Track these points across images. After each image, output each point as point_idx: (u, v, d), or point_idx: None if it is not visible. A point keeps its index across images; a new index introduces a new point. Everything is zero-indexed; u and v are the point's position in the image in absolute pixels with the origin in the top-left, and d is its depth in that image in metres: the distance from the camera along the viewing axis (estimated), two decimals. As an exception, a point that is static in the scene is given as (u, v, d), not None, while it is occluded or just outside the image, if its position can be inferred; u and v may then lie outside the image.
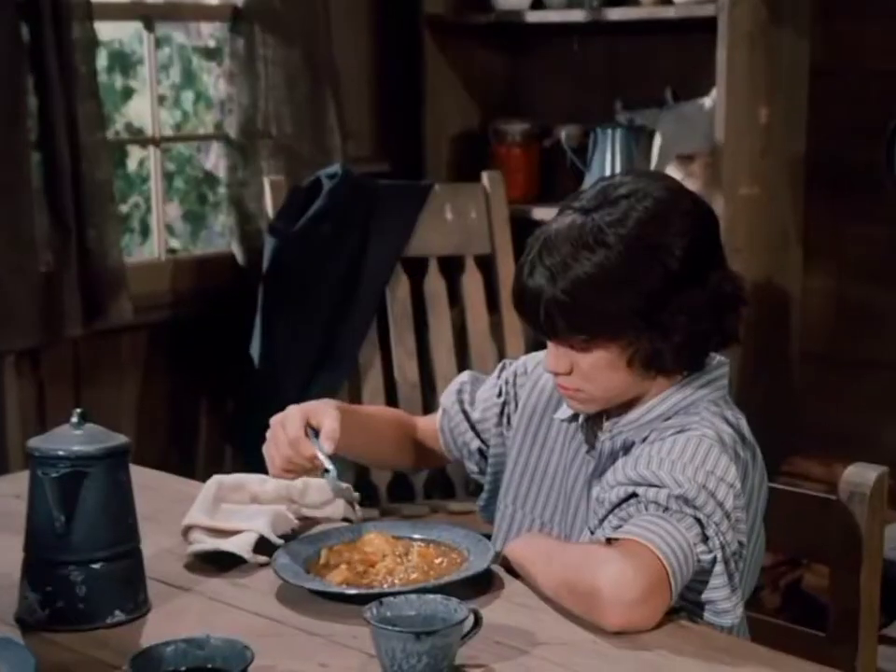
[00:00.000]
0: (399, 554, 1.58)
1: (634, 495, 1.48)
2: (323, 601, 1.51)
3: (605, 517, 1.51)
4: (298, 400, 3.16)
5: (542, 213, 3.41)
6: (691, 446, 1.50)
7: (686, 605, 1.49)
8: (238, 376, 3.32)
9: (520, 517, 1.74)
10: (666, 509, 1.45)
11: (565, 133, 3.42)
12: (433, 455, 1.90)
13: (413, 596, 1.35)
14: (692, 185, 3.19)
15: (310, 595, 1.52)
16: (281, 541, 1.66)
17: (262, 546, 1.64)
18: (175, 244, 3.76)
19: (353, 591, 1.49)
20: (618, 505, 1.49)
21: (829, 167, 3.30)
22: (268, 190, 3.28)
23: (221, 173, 3.45)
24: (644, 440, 1.57)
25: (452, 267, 3.38)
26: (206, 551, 1.63)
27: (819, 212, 3.33)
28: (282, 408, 3.27)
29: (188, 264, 3.40)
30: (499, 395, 1.81)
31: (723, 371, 1.62)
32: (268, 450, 1.70)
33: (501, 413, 1.80)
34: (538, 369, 1.77)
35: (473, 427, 1.83)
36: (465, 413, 1.84)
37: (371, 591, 1.48)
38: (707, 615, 1.49)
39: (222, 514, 1.71)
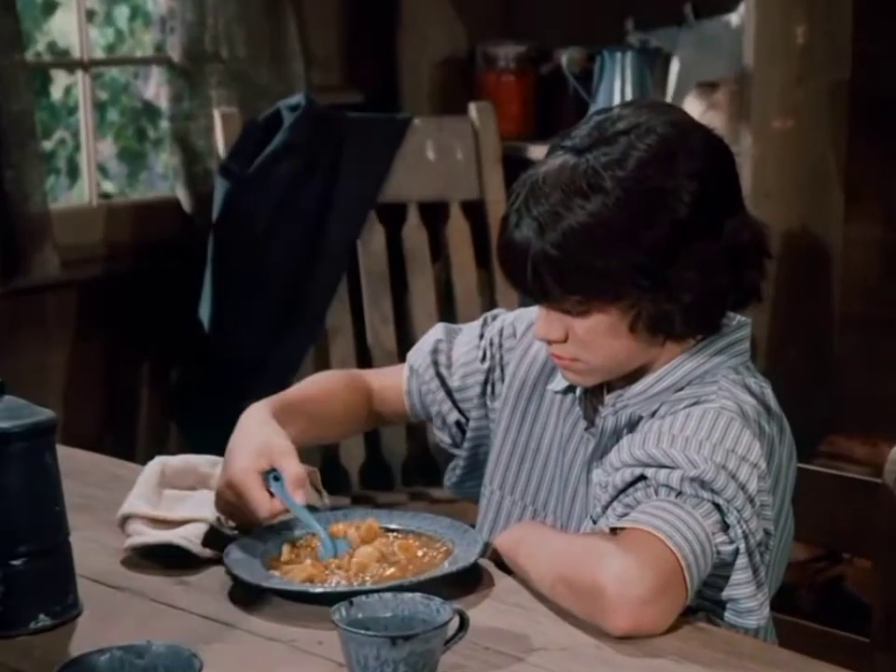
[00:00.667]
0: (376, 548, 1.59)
1: (642, 477, 1.48)
2: (284, 602, 1.50)
3: (609, 504, 1.51)
4: (254, 373, 3.20)
5: (539, 152, 3.37)
6: (708, 420, 1.50)
7: (704, 604, 1.49)
8: (185, 342, 3.31)
9: (509, 504, 1.75)
10: (680, 493, 1.45)
11: (566, 58, 3.41)
12: (392, 418, 1.91)
13: (389, 595, 1.35)
14: (715, 118, 3.20)
15: (268, 594, 1.51)
16: (235, 533, 1.65)
17: (213, 538, 1.64)
18: (108, 187, 3.74)
19: (318, 589, 1.50)
20: (624, 490, 1.50)
21: (876, 97, 3.30)
22: (218, 125, 3.26)
23: (163, 103, 3.44)
24: (653, 414, 1.57)
25: (434, 215, 3.38)
26: (147, 544, 1.63)
27: (863, 150, 3.33)
28: (235, 380, 3.27)
29: (124, 211, 3.39)
30: (483, 359, 1.81)
31: (744, 333, 1.62)
32: (233, 519, 1.65)
33: (486, 381, 1.80)
34: (529, 333, 1.76)
35: (451, 396, 1.83)
36: (441, 377, 1.83)
37: (339, 589, 1.48)
38: (728, 615, 1.50)
39: (166, 502, 1.71)
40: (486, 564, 1.59)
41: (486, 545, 1.61)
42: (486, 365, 1.80)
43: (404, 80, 3.70)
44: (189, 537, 1.62)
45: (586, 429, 1.66)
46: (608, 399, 1.63)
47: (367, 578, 1.53)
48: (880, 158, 3.32)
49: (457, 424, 1.83)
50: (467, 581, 1.54)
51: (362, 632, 1.28)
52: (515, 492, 1.74)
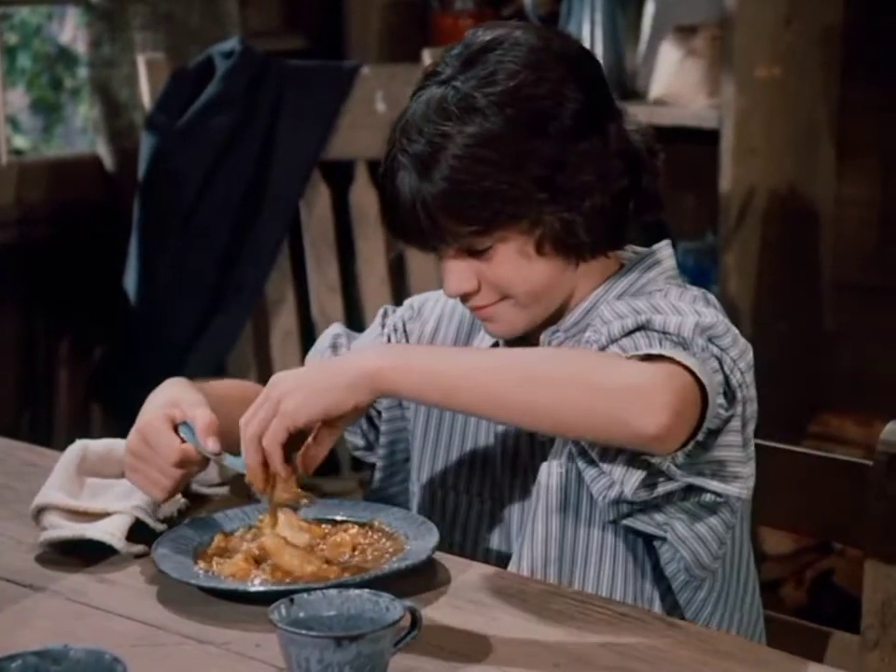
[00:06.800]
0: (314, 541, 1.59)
1: (641, 328, 1.50)
2: (217, 601, 1.51)
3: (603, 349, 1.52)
4: (185, 349, 3.19)
5: (502, 102, 3.39)
6: (673, 295, 1.58)
7: (687, 468, 1.51)
8: (108, 315, 3.30)
9: (453, 500, 1.75)
10: (688, 344, 1.47)
11: (530, -2, 3.42)
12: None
13: (334, 592, 1.36)
14: (694, 65, 3.21)
15: (200, 593, 1.52)
16: (163, 526, 1.66)
17: (139, 532, 1.64)
18: (21, 142, 3.72)
19: (256, 587, 1.50)
20: (621, 338, 1.50)
21: (871, 42, 3.31)
22: (143, 72, 3.24)
23: (81, 48, 3.42)
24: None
25: (385, 172, 3.37)
26: (65, 538, 1.63)
27: (857, 99, 3.35)
28: (164, 358, 3.26)
29: (39, 169, 3.37)
30: (388, 342, 1.81)
31: (668, 251, 1.70)
32: (142, 478, 1.63)
33: None
34: (428, 305, 1.81)
35: None
36: None
37: (278, 587, 1.49)
38: (713, 482, 1.53)
39: (86, 492, 1.71)
40: (443, 559, 1.60)
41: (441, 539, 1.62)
42: None
43: (351, 24, 3.70)
44: (112, 530, 1.62)
45: None
46: (543, 337, 1.67)
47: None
48: (876, 108, 3.34)
49: (369, 419, 1.84)
50: (420, 578, 1.55)
51: (304, 632, 1.28)
52: (459, 485, 1.75)
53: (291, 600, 1.34)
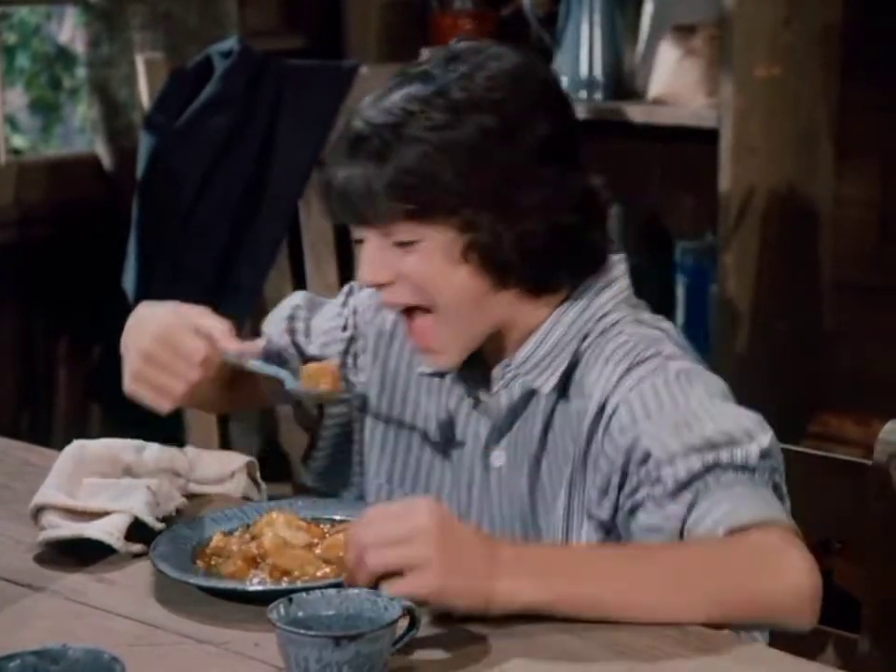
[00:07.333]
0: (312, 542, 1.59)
1: (710, 469, 1.48)
2: (216, 601, 1.51)
3: (669, 496, 1.50)
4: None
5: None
6: (677, 388, 1.54)
7: None
8: (106, 315, 3.30)
9: (400, 497, 1.74)
10: (753, 470, 1.49)
11: (529, -2, 3.42)
12: (249, 398, 1.90)
13: (332, 592, 1.36)
14: (693, 65, 3.20)
15: (198, 593, 1.52)
16: (162, 525, 1.66)
17: (137, 532, 1.64)
18: (19, 142, 3.72)
19: (255, 587, 1.50)
20: (689, 481, 1.49)
21: (871, 41, 3.31)
22: (142, 72, 3.24)
23: (79, 48, 3.41)
24: (565, 388, 1.61)
25: (384, 172, 3.37)
26: (64, 538, 1.63)
27: (856, 99, 3.35)
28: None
29: (37, 169, 3.37)
30: (345, 328, 1.82)
31: (620, 269, 1.67)
32: (149, 387, 1.65)
33: (346, 351, 1.81)
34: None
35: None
36: (297, 346, 1.84)
37: (277, 587, 1.49)
38: None
39: (85, 491, 1.70)
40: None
41: None
42: (348, 333, 1.82)
43: (350, 23, 3.70)
44: (111, 530, 1.62)
45: (475, 408, 1.69)
46: (495, 372, 1.67)
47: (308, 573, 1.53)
48: (875, 108, 3.34)
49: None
50: (418, 576, 1.55)
51: (302, 632, 1.29)
52: (405, 484, 1.76)
53: (290, 600, 1.34)
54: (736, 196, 3.21)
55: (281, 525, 1.57)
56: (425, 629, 1.37)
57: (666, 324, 1.65)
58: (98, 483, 1.73)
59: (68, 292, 3.36)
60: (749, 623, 1.46)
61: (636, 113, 3.37)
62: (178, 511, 1.72)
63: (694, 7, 3.26)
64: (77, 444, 1.78)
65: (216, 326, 1.65)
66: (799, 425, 3.18)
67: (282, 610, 1.33)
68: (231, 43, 3.23)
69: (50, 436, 3.32)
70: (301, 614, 1.33)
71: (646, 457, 1.51)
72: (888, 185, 3.36)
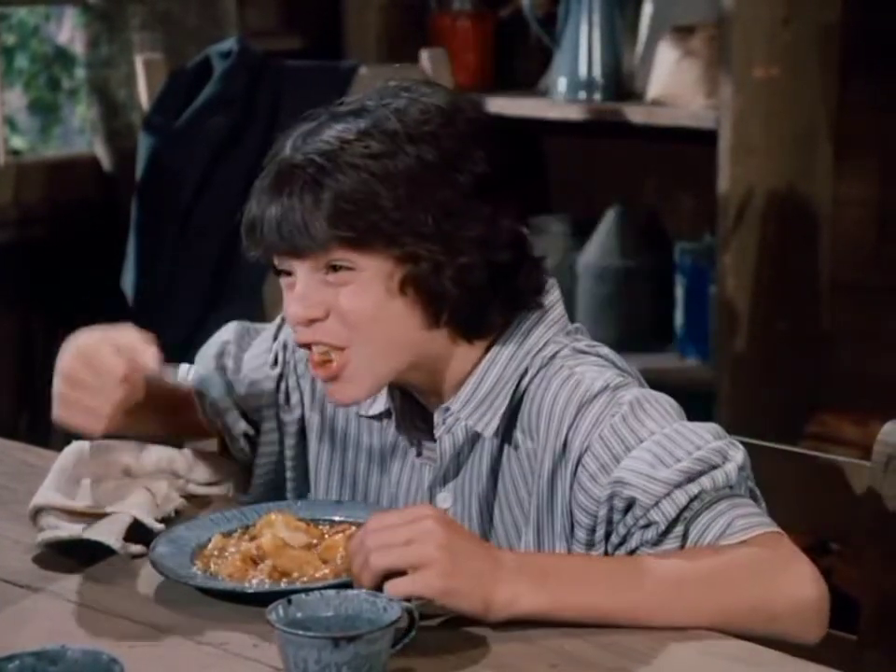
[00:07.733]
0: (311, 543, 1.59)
1: (696, 497, 1.49)
2: (215, 602, 1.51)
3: (668, 528, 1.50)
4: (183, 348, 3.18)
5: (499, 104, 3.40)
6: (635, 421, 1.52)
7: None
8: (105, 316, 3.29)
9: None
10: (731, 487, 1.50)
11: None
12: (193, 423, 1.87)
13: (331, 593, 1.36)
14: (692, 66, 3.21)
15: (197, 594, 1.52)
16: (161, 526, 1.66)
17: (136, 533, 1.64)
18: (18, 143, 3.71)
19: (254, 588, 1.50)
20: (681, 511, 1.50)
21: (870, 41, 3.31)
22: (141, 73, 3.24)
23: (78, 49, 3.41)
24: (512, 426, 1.59)
25: (383, 172, 3.37)
26: (62, 539, 1.62)
27: (855, 99, 3.35)
28: (163, 357, 3.25)
29: (37, 170, 3.37)
30: (275, 364, 1.79)
31: (553, 296, 1.64)
32: (78, 411, 1.63)
33: (277, 389, 1.78)
34: None
35: (238, 405, 1.81)
36: (228, 384, 1.81)
37: (276, 587, 1.49)
38: None
39: (84, 492, 1.70)
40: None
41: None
42: (277, 371, 1.78)
43: (349, 24, 3.70)
44: (110, 531, 1.62)
45: (418, 456, 1.68)
46: (436, 417, 1.64)
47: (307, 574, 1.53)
48: (875, 108, 3.34)
49: (246, 436, 1.82)
50: (417, 577, 1.55)
51: (301, 633, 1.29)
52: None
53: (289, 601, 1.34)
54: (735, 196, 3.21)
55: (280, 526, 1.57)
56: (424, 630, 1.37)
57: (604, 349, 1.62)
58: (97, 484, 1.73)
59: (67, 292, 3.36)
60: (752, 632, 1.46)
61: (635, 114, 3.37)
62: (177, 512, 1.72)
63: (693, 7, 3.26)
64: (76, 445, 1.78)
65: (136, 342, 1.62)
66: (797, 425, 3.18)
67: (281, 611, 1.33)
68: (230, 43, 3.23)
69: (49, 437, 3.31)
70: (299, 615, 1.33)
71: (629, 505, 1.50)
72: (886, 185, 3.37)
